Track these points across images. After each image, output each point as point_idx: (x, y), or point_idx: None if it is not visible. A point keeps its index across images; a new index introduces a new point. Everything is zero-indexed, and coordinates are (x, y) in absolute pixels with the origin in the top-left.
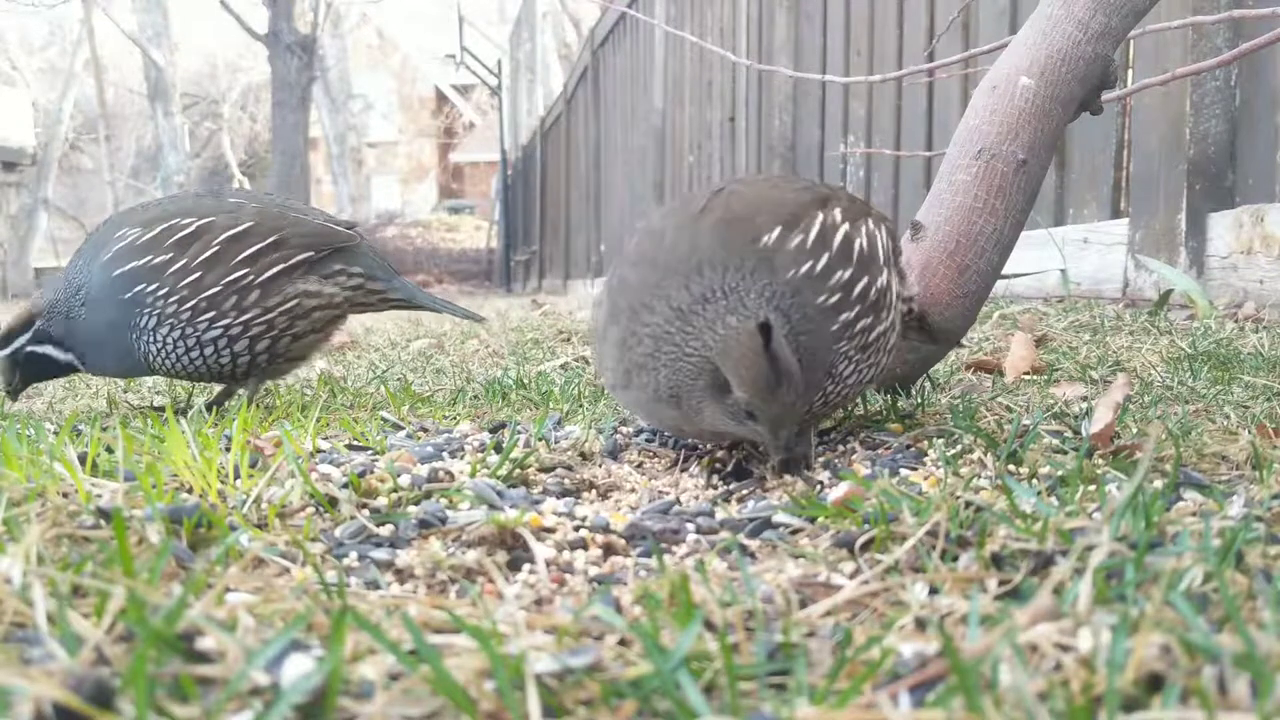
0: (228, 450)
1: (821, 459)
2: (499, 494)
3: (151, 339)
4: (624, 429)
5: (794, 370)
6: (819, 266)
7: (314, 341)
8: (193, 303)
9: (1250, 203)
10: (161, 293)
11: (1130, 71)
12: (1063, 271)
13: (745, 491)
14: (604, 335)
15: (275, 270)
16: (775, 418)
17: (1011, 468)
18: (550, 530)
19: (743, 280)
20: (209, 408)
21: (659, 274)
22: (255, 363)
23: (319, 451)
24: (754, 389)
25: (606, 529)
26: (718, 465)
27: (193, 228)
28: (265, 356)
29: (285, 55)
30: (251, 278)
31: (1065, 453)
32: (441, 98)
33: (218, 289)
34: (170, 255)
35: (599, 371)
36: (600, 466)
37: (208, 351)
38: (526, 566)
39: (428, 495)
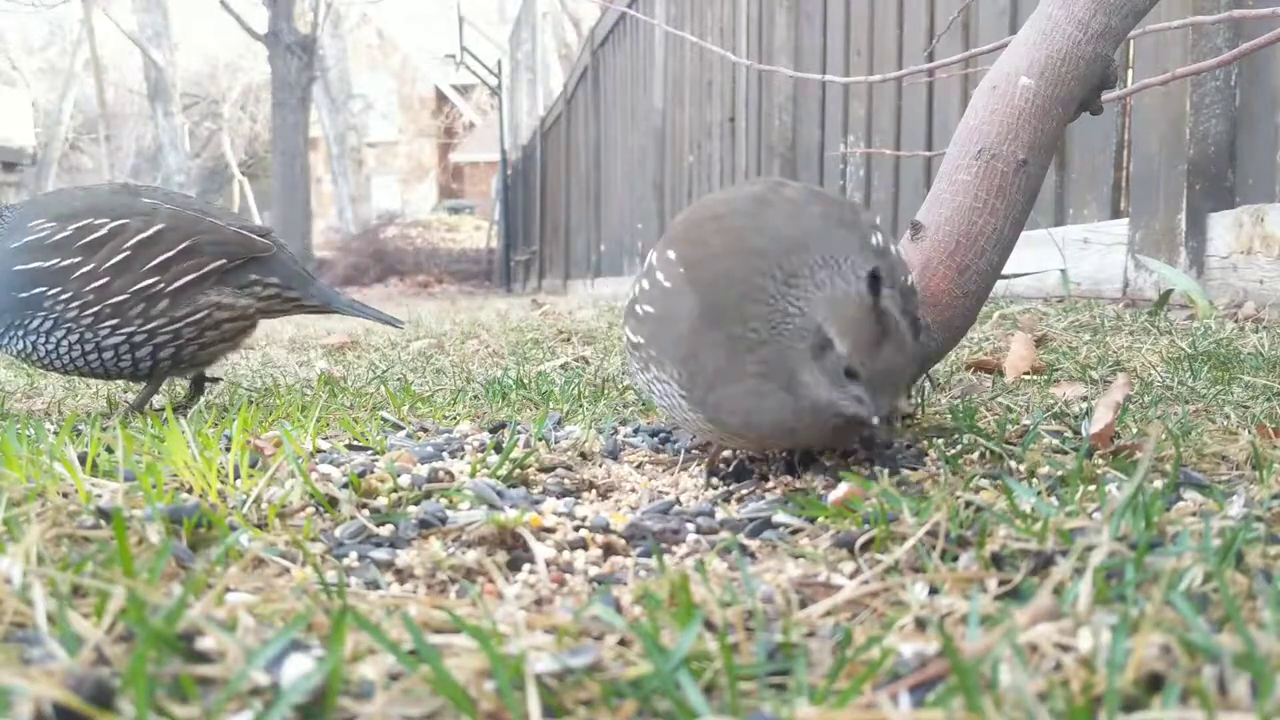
0: (228, 450)
1: (818, 460)
2: (499, 494)
3: (45, 340)
4: (624, 429)
5: (900, 329)
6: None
7: (221, 350)
8: (96, 309)
9: (1250, 203)
10: (64, 297)
11: (1130, 71)
12: (1063, 271)
13: (745, 491)
14: (696, 342)
15: (186, 279)
16: (876, 376)
17: (1011, 465)
18: (550, 530)
19: (845, 245)
20: (206, 405)
21: (763, 257)
22: (158, 367)
23: (319, 451)
24: (855, 341)
25: (606, 529)
26: (718, 465)
27: (105, 229)
28: (168, 363)
29: (285, 55)
30: (162, 286)
31: (1065, 453)
32: (441, 98)
33: (125, 296)
34: (79, 259)
35: (688, 388)
36: (600, 466)
37: (106, 355)
38: (526, 566)
39: (428, 495)
